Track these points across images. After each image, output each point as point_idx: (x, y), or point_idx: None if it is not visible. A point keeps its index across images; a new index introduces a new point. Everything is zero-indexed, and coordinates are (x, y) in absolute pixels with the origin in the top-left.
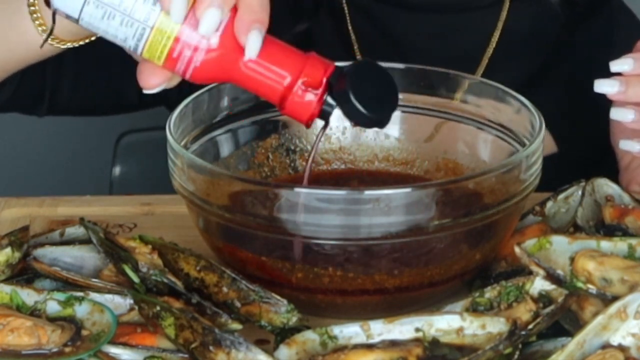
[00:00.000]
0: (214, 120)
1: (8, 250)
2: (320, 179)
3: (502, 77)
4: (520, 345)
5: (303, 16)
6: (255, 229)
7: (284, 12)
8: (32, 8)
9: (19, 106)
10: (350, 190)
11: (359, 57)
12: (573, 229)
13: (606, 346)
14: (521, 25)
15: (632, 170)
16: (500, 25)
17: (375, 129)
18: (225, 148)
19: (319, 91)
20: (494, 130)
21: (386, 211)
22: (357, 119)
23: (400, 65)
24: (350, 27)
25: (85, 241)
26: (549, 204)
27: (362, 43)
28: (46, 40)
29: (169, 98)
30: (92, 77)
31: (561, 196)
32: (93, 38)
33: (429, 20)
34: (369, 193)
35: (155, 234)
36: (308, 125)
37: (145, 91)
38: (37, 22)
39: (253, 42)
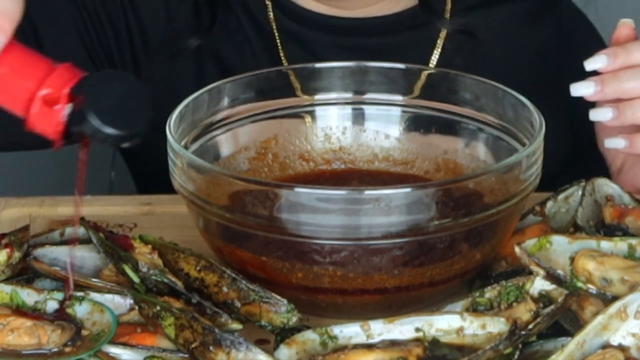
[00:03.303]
0: (214, 120)
1: (8, 250)
2: (320, 179)
3: None
4: (520, 345)
5: (198, 32)
6: (255, 229)
7: (184, 24)
8: None
9: None
10: (350, 190)
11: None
12: (573, 229)
13: (606, 346)
14: (467, 43)
15: (625, 174)
16: (440, 43)
17: (376, 129)
18: (225, 148)
19: (60, 105)
20: (494, 130)
21: (386, 211)
22: (96, 136)
23: (401, 66)
24: (282, 53)
25: (85, 241)
26: (549, 204)
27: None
28: None
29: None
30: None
31: (561, 196)
32: None
33: (362, 43)
34: (369, 193)
35: (155, 234)
36: (57, 142)
37: None
38: None
39: None
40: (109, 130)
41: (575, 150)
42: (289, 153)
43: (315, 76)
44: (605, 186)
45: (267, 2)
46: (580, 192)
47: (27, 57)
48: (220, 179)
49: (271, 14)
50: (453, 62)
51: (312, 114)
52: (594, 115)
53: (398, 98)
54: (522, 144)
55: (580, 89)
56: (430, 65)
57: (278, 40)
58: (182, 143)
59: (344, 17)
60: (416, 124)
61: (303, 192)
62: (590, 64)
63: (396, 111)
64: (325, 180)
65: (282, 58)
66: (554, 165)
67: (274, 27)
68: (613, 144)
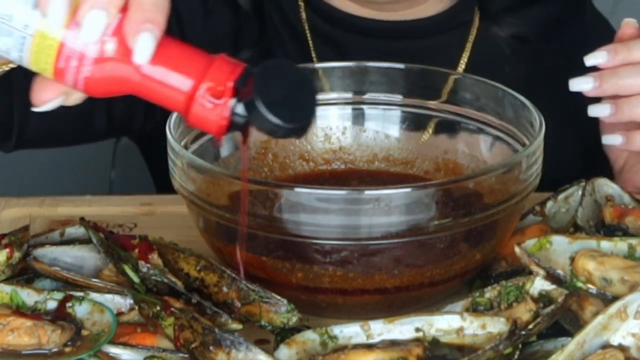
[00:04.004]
0: None
1: (8, 250)
2: (320, 179)
3: None
4: (520, 345)
5: (246, 45)
6: (255, 229)
7: (225, 39)
8: None
9: None
10: (350, 190)
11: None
12: (573, 229)
13: (606, 346)
14: (493, 46)
15: (626, 172)
16: (468, 47)
17: (376, 129)
18: (225, 148)
19: (225, 98)
20: (494, 130)
21: (386, 211)
22: (268, 128)
23: (401, 66)
24: (314, 55)
25: (85, 241)
26: (549, 204)
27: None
28: None
29: (132, 129)
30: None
31: (561, 196)
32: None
33: (393, 46)
34: (369, 193)
35: (155, 234)
36: (219, 137)
37: (34, 108)
38: None
39: (142, 45)
40: (280, 123)
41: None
42: (289, 153)
43: (315, 76)
44: (605, 186)
45: (300, 3)
46: (580, 192)
47: (183, 51)
48: (220, 179)
49: (304, 14)
50: (483, 65)
51: None
52: (593, 111)
53: (398, 98)
54: (522, 144)
55: (579, 84)
56: (459, 68)
57: (310, 42)
58: (182, 143)
59: (380, 20)
60: (416, 124)
61: (303, 192)
62: (590, 60)
63: (396, 111)
64: (325, 180)
65: (314, 60)
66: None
67: (306, 27)
68: (610, 140)
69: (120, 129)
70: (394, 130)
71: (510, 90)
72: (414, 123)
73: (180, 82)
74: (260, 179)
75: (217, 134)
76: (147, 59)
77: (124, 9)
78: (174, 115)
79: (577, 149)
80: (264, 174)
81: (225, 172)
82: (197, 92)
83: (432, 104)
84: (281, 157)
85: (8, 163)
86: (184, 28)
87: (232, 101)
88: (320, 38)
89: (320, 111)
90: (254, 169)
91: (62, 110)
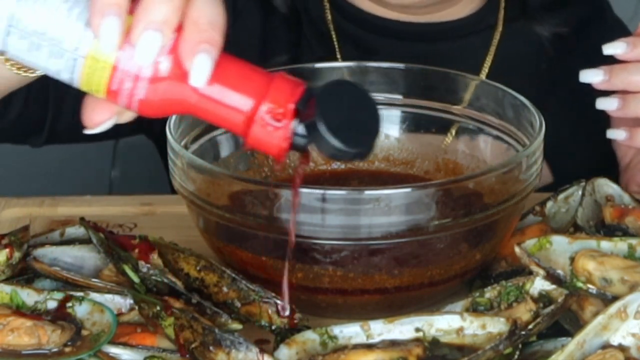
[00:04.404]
0: None
1: (8, 250)
2: (320, 179)
3: None
4: (520, 345)
5: (275, 48)
6: (255, 229)
7: (253, 42)
8: None
9: (15, 136)
10: (350, 190)
11: None
12: (573, 229)
13: (606, 346)
14: (515, 48)
15: (632, 169)
16: (492, 50)
17: None
18: (225, 148)
19: (286, 120)
20: (494, 130)
21: (386, 211)
22: (330, 152)
23: (401, 66)
24: (339, 56)
25: (85, 241)
26: (549, 204)
27: None
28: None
29: (153, 129)
30: None
31: (561, 196)
32: None
33: (420, 48)
34: (369, 193)
35: (155, 234)
36: (279, 159)
37: (87, 131)
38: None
39: (199, 67)
40: (344, 148)
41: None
42: (289, 153)
43: (315, 76)
44: (605, 186)
45: (326, 4)
46: (580, 192)
47: (242, 69)
48: (220, 179)
49: (329, 16)
50: (506, 67)
51: None
52: (601, 104)
53: (398, 98)
54: (522, 144)
55: (589, 76)
56: (484, 71)
57: (336, 44)
58: (182, 143)
59: (407, 22)
60: (416, 124)
61: (303, 192)
62: (609, 49)
63: (396, 111)
64: (325, 180)
65: (340, 61)
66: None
67: (332, 29)
68: (614, 134)
69: (144, 129)
70: (394, 130)
71: (510, 90)
72: (414, 123)
73: (240, 103)
74: (260, 179)
75: (278, 156)
76: (204, 82)
77: (179, 28)
78: (174, 116)
79: (594, 148)
80: (264, 174)
81: (225, 172)
82: (257, 114)
83: (432, 103)
84: None
85: (8, 163)
86: (239, 39)
87: (293, 123)
88: (347, 40)
89: None
90: (254, 168)
91: None
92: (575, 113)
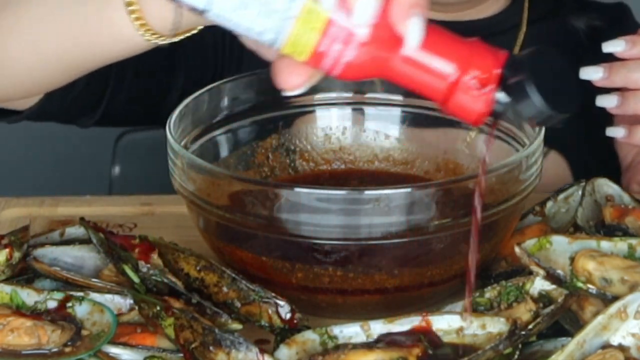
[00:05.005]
0: (214, 120)
1: (8, 250)
2: (320, 179)
3: None
4: (520, 345)
5: None
6: (255, 229)
7: None
8: (129, 0)
9: (69, 115)
10: (350, 190)
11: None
12: (573, 229)
13: (606, 346)
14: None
15: (633, 168)
16: (516, 50)
17: (376, 129)
18: (225, 148)
19: (490, 86)
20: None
21: (386, 211)
22: (536, 116)
23: None
24: None
25: (85, 241)
26: (549, 204)
27: None
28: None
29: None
30: (147, 83)
31: (561, 196)
32: (193, 32)
33: None
34: (369, 193)
35: (155, 234)
36: (477, 123)
37: (285, 93)
38: (133, 16)
39: (414, 31)
40: (551, 111)
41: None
42: (289, 153)
43: None
44: (605, 186)
45: None
46: (580, 192)
47: (443, 36)
48: (220, 179)
49: None
50: None
51: (312, 114)
52: (600, 101)
53: (398, 98)
54: (522, 144)
55: (589, 73)
56: None
57: None
58: (182, 143)
59: (435, 20)
60: (416, 124)
61: (303, 192)
62: (608, 47)
63: (396, 111)
64: (325, 180)
65: None
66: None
67: None
68: (613, 132)
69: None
70: (394, 130)
71: None
72: (414, 123)
73: (444, 69)
74: (260, 179)
75: (475, 122)
76: (417, 45)
77: None
78: (174, 116)
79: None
80: (264, 174)
81: (225, 172)
82: (462, 80)
83: (432, 103)
84: (281, 157)
85: (8, 163)
86: None
87: (497, 89)
88: None
89: (320, 111)
90: (254, 169)
91: (148, 85)
92: (594, 111)
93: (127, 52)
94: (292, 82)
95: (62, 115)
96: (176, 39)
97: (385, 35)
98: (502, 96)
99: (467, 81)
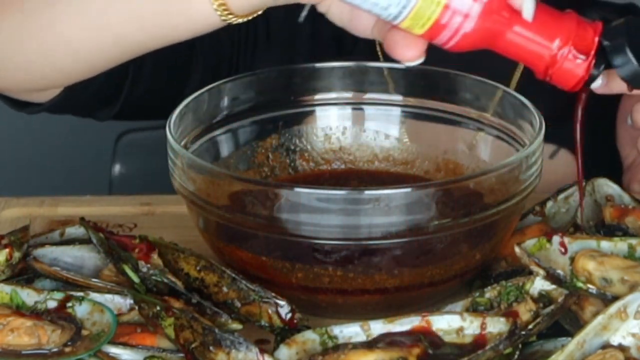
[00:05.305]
0: (214, 120)
1: (8, 250)
2: (320, 179)
3: (532, 101)
4: (520, 345)
5: (344, 51)
6: (255, 229)
7: (330, 46)
8: None
9: (88, 107)
10: (350, 190)
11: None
12: (573, 229)
13: (606, 346)
14: None
15: (634, 168)
16: None
17: (376, 129)
18: (225, 148)
19: (590, 54)
20: (494, 130)
21: (386, 211)
22: (633, 77)
23: (401, 66)
24: (378, 47)
25: (85, 241)
26: (549, 204)
27: (389, 61)
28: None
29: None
30: (165, 75)
31: (561, 196)
32: (259, 12)
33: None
34: (369, 193)
35: (155, 234)
36: (575, 89)
37: (408, 63)
38: None
39: (529, 5)
40: None
41: None
42: (289, 153)
43: (315, 76)
44: (605, 186)
45: None
46: None
47: (548, 9)
48: (220, 179)
49: None
50: None
51: (312, 114)
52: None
53: (398, 98)
54: (522, 144)
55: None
56: (518, 70)
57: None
58: (182, 143)
59: None
60: (416, 124)
61: (303, 192)
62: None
63: (396, 111)
64: (325, 180)
65: (378, 52)
66: None
67: None
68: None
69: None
70: (394, 130)
71: (510, 90)
72: (414, 123)
73: (550, 39)
74: (260, 179)
75: (573, 88)
76: (532, 16)
77: None
78: (174, 116)
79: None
80: (264, 174)
81: (225, 172)
82: (565, 49)
83: (432, 103)
84: (281, 157)
85: (8, 163)
86: (290, 38)
87: (595, 55)
88: None
89: (320, 111)
90: (254, 169)
91: (168, 76)
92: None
93: (197, 32)
94: (410, 54)
95: (81, 108)
96: (247, 18)
97: (500, 7)
98: (600, 61)
99: (570, 50)
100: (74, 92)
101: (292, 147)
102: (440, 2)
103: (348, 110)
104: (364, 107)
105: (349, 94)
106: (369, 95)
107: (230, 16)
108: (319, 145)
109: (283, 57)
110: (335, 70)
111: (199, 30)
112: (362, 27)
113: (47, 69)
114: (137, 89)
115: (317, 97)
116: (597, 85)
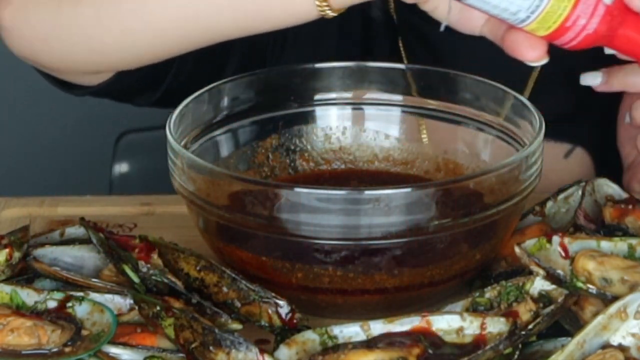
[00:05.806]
0: (214, 120)
1: (8, 250)
2: (320, 179)
3: (548, 99)
4: (520, 345)
5: (376, 54)
6: (255, 229)
7: (355, 45)
8: None
9: (130, 92)
10: (350, 190)
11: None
12: (573, 229)
13: (606, 346)
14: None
15: (635, 167)
16: None
17: (376, 129)
18: (225, 148)
19: None
20: (494, 130)
21: (386, 211)
22: None
23: (401, 66)
24: (401, 45)
25: (85, 241)
26: (549, 204)
27: (410, 61)
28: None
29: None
30: (206, 66)
31: (561, 196)
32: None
33: (478, 43)
34: (369, 193)
35: (155, 234)
36: None
37: (533, 63)
38: None
39: None
40: None
41: None
42: (289, 153)
43: (315, 76)
44: (605, 186)
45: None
46: (580, 192)
47: None
48: (220, 179)
49: (392, 4)
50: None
51: (312, 114)
52: (585, 79)
53: (398, 98)
54: (522, 144)
55: (588, 79)
56: (535, 70)
57: (400, 42)
58: (182, 143)
59: None
60: (416, 124)
61: (303, 192)
62: (586, 80)
63: (396, 111)
64: (325, 180)
65: (401, 49)
66: None
67: (395, 18)
68: (588, 80)
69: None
70: (394, 130)
71: (510, 90)
72: (414, 123)
73: None
74: (260, 179)
75: None
76: None
77: None
78: (174, 116)
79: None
80: (264, 174)
81: (225, 172)
82: None
83: (432, 103)
84: (281, 157)
85: (8, 163)
86: (317, 35)
87: None
88: (410, 30)
89: (320, 111)
90: (254, 169)
91: (212, 58)
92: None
93: (288, 24)
94: (533, 55)
95: (125, 93)
96: (341, 11)
97: (620, 7)
98: None
99: None
100: (123, 78)
101: (292, 147)
102: (567, 6)
103: (348, 110)
104: (364, 107)
105: (349, 94)
106: (369, 95)
107: (327, 10)
108: (319, 145)
109: (309, 55)
110: (335, 70)
111: (290, 23)
112: (471, 26)
113: (125, 53)
114: (180, 79)
115: (317, 97)
116: (597, 83)
